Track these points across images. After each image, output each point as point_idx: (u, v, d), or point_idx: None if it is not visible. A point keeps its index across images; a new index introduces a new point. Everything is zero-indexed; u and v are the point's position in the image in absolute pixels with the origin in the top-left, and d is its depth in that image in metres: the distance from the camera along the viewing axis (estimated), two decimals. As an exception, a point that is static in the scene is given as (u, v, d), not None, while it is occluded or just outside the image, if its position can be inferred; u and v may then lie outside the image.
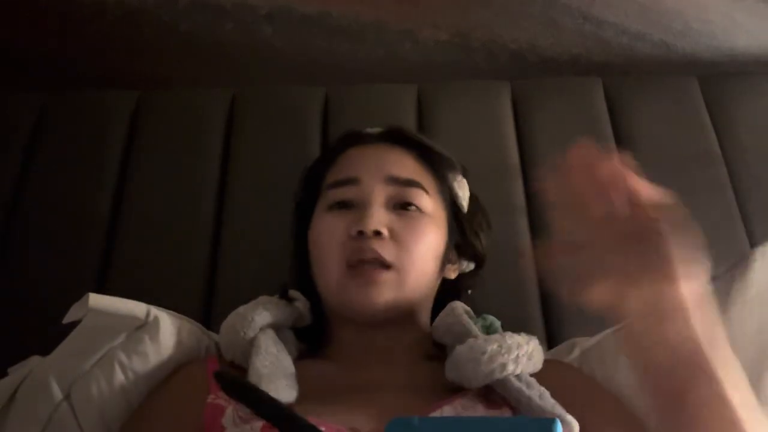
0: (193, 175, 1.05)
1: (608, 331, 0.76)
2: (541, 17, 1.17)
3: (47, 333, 0.71)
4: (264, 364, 0.64)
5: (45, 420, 0.67)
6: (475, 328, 0.70)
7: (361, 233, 0.71)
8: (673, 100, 1.10)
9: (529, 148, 1.06)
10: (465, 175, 0.84)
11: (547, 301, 0.94)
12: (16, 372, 0.71)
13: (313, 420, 0.57)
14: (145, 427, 0.64)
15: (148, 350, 0.71)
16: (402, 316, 0.74)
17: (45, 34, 1.21)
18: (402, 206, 0.74)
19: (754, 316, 0.72)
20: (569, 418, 0.56)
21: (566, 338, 0.82)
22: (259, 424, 0.56)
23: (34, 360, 0.72)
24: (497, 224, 0.92)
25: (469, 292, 0.82)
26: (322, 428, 0.55)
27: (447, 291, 0.79)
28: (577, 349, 0.78)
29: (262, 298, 0.75)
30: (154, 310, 0.72)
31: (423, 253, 0.73)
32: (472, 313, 0.75)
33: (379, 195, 0.74)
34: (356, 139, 0.82)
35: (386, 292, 0.70)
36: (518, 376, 0.63)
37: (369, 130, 0.83)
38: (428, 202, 0.75)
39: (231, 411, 0.60)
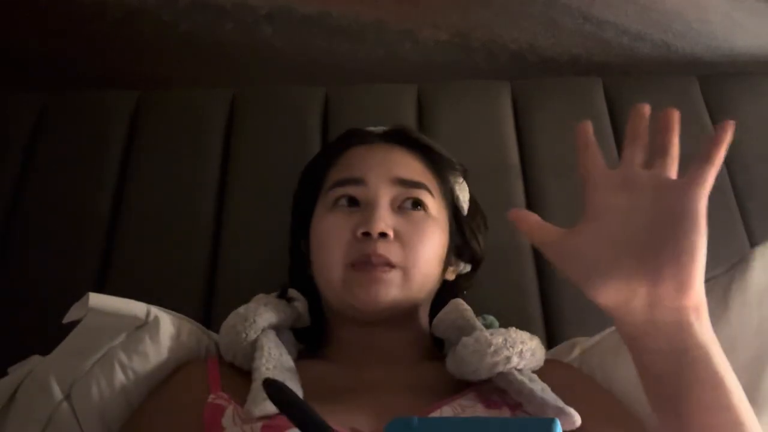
0: (193, 175, 1.05)
1: (608, 331, 0.76)
2: (541, 17, 1.17)
3: (47, 333, 0.71)
4: (268, 367, 0.64)
5: (45, 420, 0.67)
6: (479, 323, 0.71)
7: (367, 234, 0.70)
8: (673, 100, 1.09)
9: (529, 148, 1.06)
10: (465, 177, 0.84)
11: (547, 301, 0.94)
12: (16, 372, 0.71)
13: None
14: (145, 426, 0.64)
15: (149, 350, 0.71)
16: (403, 316, 0.74)
17: (45, 34, 1.22)
18: (407, 207, 0.74)
19: (754, 316, 0.71)
20: (571, 410, 0.56)
21: (566, 338, 0.83)
22: (259, 424, 0.56)
23: (34, 360, 0.72)
24: (497, 224, 0.92)
25: (465, 292, 0.82)
26: None
27: (444, 292, 0.79)
28: (577, 349, 0.78)
29: (261, 298, 0.74)
30: (155, 310, 0.72)
31: (428, 255, 0.73)
32: (472, 311, 0.76)
33: (385, 196, 0.73)
34: (360, 137, 0.81)
35: (391, 290, 0.70)
36: (520, 371, 0.63)
37: (372, 128, 0.83)
38: (432, 203, 0.75)
39: (231, 411, 0.60)
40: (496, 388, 0.64)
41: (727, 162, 1.03)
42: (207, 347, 0.77)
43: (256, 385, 0.61)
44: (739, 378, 0.51)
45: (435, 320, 0.74)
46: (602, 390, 0.70)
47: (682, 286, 0.48)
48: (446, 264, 0.77)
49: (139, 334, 0.71)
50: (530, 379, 0.62)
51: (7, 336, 0.89)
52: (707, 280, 0.51)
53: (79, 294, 0.69)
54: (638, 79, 1.16)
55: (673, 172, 0.52)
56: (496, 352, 0.63)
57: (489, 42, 1.21)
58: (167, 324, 0.73)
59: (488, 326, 0.78)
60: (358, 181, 0.74)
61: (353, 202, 0.74)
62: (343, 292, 0.71)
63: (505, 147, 1.06)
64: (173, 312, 0.75)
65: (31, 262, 0.98)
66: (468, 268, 0.83)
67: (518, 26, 1.18)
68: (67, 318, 0.69)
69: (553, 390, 0.62)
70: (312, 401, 0.60)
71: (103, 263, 0.98)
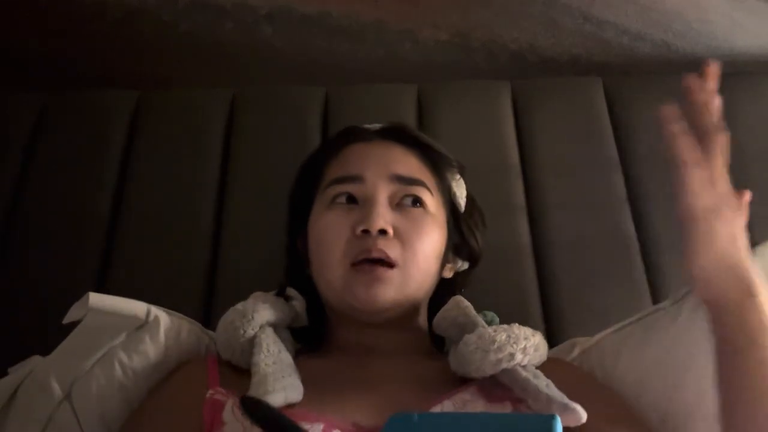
0: (193, 175, 1.05)
1: (608, 330, 0.76)
2: (541, 17, 1.17)
3: (47, 333, 0.71)
4: (267, 362, 0.63)
5: (45, 419, 0.67)
6: (481, 320, 0.70)
7: (366, 232, 0.70)
8: (674, 100, 1.10)
9: (529, 148, 1.06)
10: (462, 174, 0.84)
11: (547, 301, 0.94)
12: (17, 372, 0.71)
13: (313, 416, 0.57)
14: (146, 425, 0.64)
15: (149, 349, 0.71)
16: (402, 315, 0.74)
17: (45, 34, 1.21)
18: (405, 205, 0.74)
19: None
20: (576, 406, 0.56)
21: (566, 337, 0.83)
22: None
23: (35, 360, 0.72)
24: (497, 224, 0.92)
25: (463, 290, 0.82)
26: (322, 424, 0.56)
27: (442, 290, 0.79)
28: (577, 348, 0.78)
29: (259, 295, 0.74)
30: (155, 310, 0.72)
31: (427, 252, 0.73)
32: (473, 308, 0.75)
33: (384, 193, 0.73)
34: (357, 135, 0.80)
35: (391, 290, 0.70)
36: (524, 367, 0.63)
37: (369, 126, 0.82)
38: (431, 200, 0.75)
39: (230, 405, 0.59)
40: (499, 383, 0.64)
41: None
42: (207, 346, 0.77)
43: (256, 380, 0.61)
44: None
45: (436, 318, 0.73)
46: (604, 388, 0.70)
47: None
48: (444, 261, 0.77)
49: (140, 333, 0.71)
50: (534, 375, 0.62)
51: (7, 336, 0.89)
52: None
53: (79, 294, 0.69)
54: (638, 79, 1.16)
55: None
56: (499, 348, 0.63)
57: (489, 42, 1.21)
58: (167, 324, 0.73)
59: (489, 323, 0.78)
60: (356, 179, 0.74)
61: (351, 199, 0.74)
62: (342, 292, 0.71)
63: (505, 147, 1.06)
64: (173, 312, 0.75)
65: (31, 262, 0.98)
66: (466, 265, 0.82)
67: (518, 26, 1.18)
68: (67, 318, 0.69)
69: (556, 387, 0.62)
70: (312, 396, 0.61)
71: (103, 263, 0.98)
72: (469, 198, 0.84)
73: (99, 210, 1.02)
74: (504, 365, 0.63)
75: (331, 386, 0.64)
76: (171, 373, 0.71)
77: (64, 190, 1.03)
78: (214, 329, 0.77)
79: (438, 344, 0.78)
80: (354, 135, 0.80)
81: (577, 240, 0.98)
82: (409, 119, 1.07)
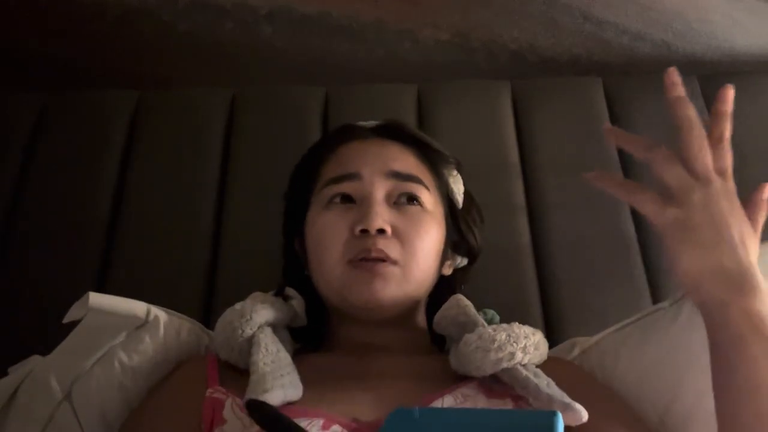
0: (193, 175, 1.05)
1: (608, 330, 0.76)
2: (541, 17, 1.17)
3: (47, 333, 0.71)
4: (266, 362, 0.63)
5: (45, 419, 0.67)
6: (481, 319, 0.70)
7: (364, 232, 0.70)
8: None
9: (529, 148, 1.06)
10: (459, 170, 0.83)
11: (547, 301, 0.94)
12: (17, 371, 0.71)
13: (313, 411, 0.57)
14: (146, 423, 0.64)
15: (149, 349, 0.71)
16: (403, 312, 0.73)
17: (45, 34, 1.22)
18: (403, 202, 0.73)
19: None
20: (578, 405, 0.56)
21: (566, 336, 0.82)
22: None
23: (35, 359, 0.72)
24: (497, 223, 0.92)
25: (462, 287, 0.82)
26: (322, 419, 0.55)
27: (441, 287, 0.79)
28: (577, 348, 0.78)
29: (258, 295, 0.74)
30: (155, 310, 0.72)
31: (426, 250, 0.72)
32: (473, 307, 0.75)
33: (381, 190, 0.73)
34: (353, 133, 0.80)
35: (392, 286, 0.69)
36: (524, 366, 0.63)
37: (364, 123, 0.82)
38: (428, 198, 0.75)
39: (230, 403, 0.59)
40: (500, 380, 0.63)
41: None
42: (207, 346, 0.76)
43: (254, 379, 0.61)
44: None
45: (436, 317, 0.73)
46: (604, 387, 0.70)
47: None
48: (444, 258, 0.77)
49: (140, 333, 0.71)
50: (535, 374, 0.62)
51: (7, 336, 0.89)
52: None
53: (79, 294, 0.69)
54: (638, 79, 1.16)
55: None
56: (499, 348, 0.63)
57: (489, 42, 1.21)
58: (167, 323, 0.73)
59: (489, 321, 0.78)
60: (353, 177, 0.74)
61: (348, 198, 0.73)
62: (343, 291, 0.71)
63: (505, 147, 1.06)
64: (173, 312, 0.75)
65: (31, 262, 0.98)
66: (465, 262, 0.82)
67: (518, 26, 1.18)
68: (67, 318, 0.69)
69: (557, 386, 0.61)
70: (313, 393, 0.61)
71: (103, 263, 0.98)
72: (467, 194, 0.84)
73: (99, 210, 1.02)
74: (504, 364, 0.63)
75: (331, 383, 0.64)
76: (171, 373, 0.71)
77: (64, 190, 1.03)
78: (213, 329, 0.77)
79: (437, 342, 0.78)
80: (350, 133, 0.80)
81: (577, 240, 0.98)
82: (409, 119, 1.07)
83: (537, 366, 0.65)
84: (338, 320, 0.76)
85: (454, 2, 1.17)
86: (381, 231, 0.70)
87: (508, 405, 0.60)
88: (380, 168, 0.74)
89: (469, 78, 1.19)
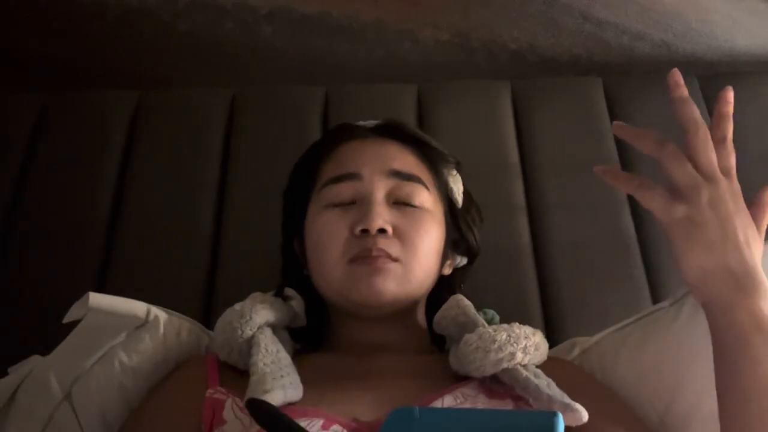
0: (193, 175, 1.05)
1: (608, 330, 0.76)
2: (541, 17, 1.17)
3: (47, 333, 0.71)
4: (266, 362, 0.63)
5: (45, 419, 0.67)
6: (481, 319, 0.70)
7: (365, 231, 0.70)
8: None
9: (529, 148, 1.06)
10: (458, 169, 0.83)
11: (547, 301, 0.94)
12: (17, 371, 0.71)
13: (313, 411, 0.57)
14: (146, 423, 0.64)
15: (149, 349, 0.71)
16: (403, 312, 0.74)
17: (45, 34, 1.22)
18: (403, 202, 0.73)
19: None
20: (578, 406, 0.56)
21: (566, 336, 0.83)
22: None
23: (35, 359, 0.72)
24: (497, 223, 0.92)
25: (462, 286, 0.82)
26: (322, 419, 0.55)
27: (441, 287, 0.78)
28: (577, 348, 0.78)
29: (257, 296, 0.74)
30: (155, 310, 0.72)
31: (427, 249, 0.72)
32: (473, 307, 0.75)
33: (381, 190, 0.73)
34: (352, 132, 0.80)
35: (393, 282, 0.69)
36: (525, 366, 0.63)
37: (363, 123, 0.82)
38: (428, 197, 0.75)
39: (230, 403, 0.59)
40: (500, 381, 0.63)
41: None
42: (207, 346, 0.76)
43: (255, 379, 0.61)
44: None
45: (436, 317, 0.73)
46: (604, 387, 0.70)
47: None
48: (444, 258, 0.77)
49: (140, 333, 0.71)
50: (535, 375, 0.61)
51: (7, 336, 0.89)
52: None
53: (79, 294, 0.69)
54: (638, 79, 1.16)
55: None
56: (500, 348, 0.63)
57: (489, 42, 1.21)
58: (167, 323, 0.73)
59: (489, 321, 0.78)
60: (352, 176, 0.73)
61: (349, 198, 0.73)
62: (343, 289, 0.71)
63: (505, 147, 1.06)
64: (173, 312, 0.75)
65: (31, 262, 0.98)
66: (464, 261, 0.82)
67: (518, 26, 1.18)
68: (67, 318, 0.69)
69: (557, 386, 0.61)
70: (313, 393, 0.61)
71: (103, 263, 0.98)
72: (466, 193, 0.84)
73: (99, 210, 1.02)
74: (505, 364, 0.63)
75: (331, 383, 0.64)
76: (171, 373, 0.71)
77: (64, 190, 1.03)
78: (213, 329, 0.77)
79: (437, 342, 0.78)
80: (349, 133, 0.80)
81: (577, 240, 0.98)
82: (409, 119, 1.07)
83: (537, 366, 0.65)
84: (338, 320, 0.76)
85: (454, 2, 1.17)
86: (382, 231, 0.70)
87: (508, 405, 0.60)
88: (380, 167, 0.74)
89: (469, 78, 1.19)
